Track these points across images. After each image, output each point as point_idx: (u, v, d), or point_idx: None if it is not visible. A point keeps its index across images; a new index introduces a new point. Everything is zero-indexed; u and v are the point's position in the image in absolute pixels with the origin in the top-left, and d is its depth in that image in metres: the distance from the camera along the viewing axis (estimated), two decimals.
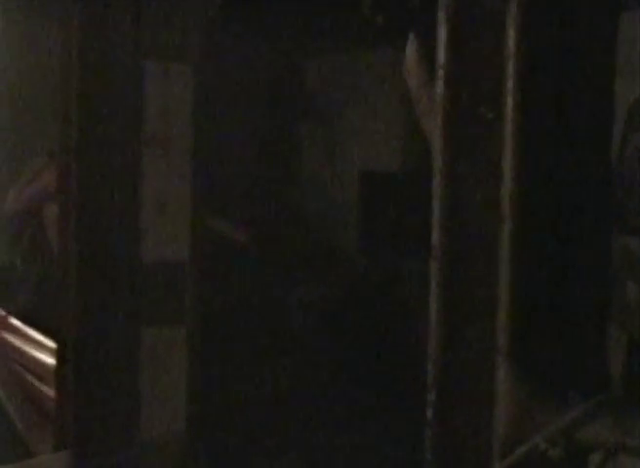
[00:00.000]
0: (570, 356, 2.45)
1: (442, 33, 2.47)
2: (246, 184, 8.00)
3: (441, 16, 2.49)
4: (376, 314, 7.15)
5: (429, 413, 2.49)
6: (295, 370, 8.14)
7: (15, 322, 8.40)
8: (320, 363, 7.86)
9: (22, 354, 8.08)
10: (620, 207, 3.94)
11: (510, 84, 2.38)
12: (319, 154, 8.51)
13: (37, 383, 7.76)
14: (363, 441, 6.06)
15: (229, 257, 7.78)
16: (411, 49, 2.85)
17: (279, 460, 7.72)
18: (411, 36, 2.83)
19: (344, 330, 7.72)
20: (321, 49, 8.15)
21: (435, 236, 2.47)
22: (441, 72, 2.48)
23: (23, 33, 9.62)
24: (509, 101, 2.38)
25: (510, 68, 2.38)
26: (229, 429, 7.65)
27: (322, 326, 8.20)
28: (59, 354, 6.92)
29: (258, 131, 8.49)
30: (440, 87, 2.48)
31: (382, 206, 6.67)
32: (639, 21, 3.98)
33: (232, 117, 8.08)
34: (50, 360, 7.21)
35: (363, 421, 6.87)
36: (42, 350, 7.57)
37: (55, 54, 7.05)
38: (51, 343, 7.36)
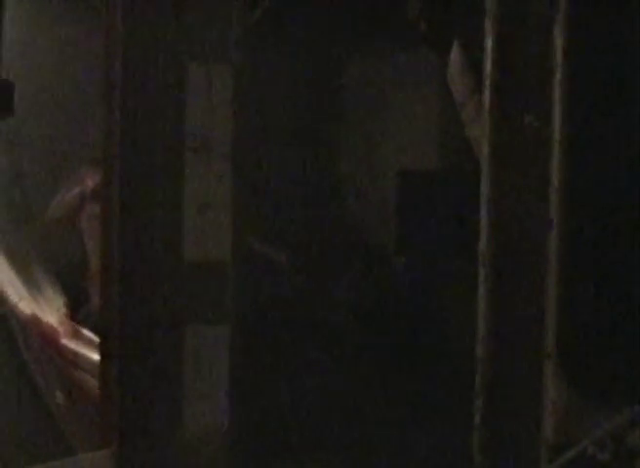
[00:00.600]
0: (617, 361, 2.45)
1: (489, 42, 2.47)
2: (286, 186, 7.99)
3: (488, 25, 2.49)
4: (412, 314, 7.13)
5: (477, 418, 2.49)
6: (336, 366, 8.14)
7: (76, 327, 8.50)
8: (359, 360, 7.86)
9: (81, 356, 8.15)
10: None
11: (557, 93, 2.38)
12: (357, 155, 8.51)
13: (92, 381, 7.85)
14: (405, 441, 6.04)
15: (272, 259, 7.78)
16: (455, 57, 2.84)
17: (320, 456, 7.73)
18: (455, 44, 2.83)
19: (382, 328, 7.71)
20: (362, 51, 8.15)
21: (483, 243, 2.47)
22: (488, 81, 2.48)
23: (66, 43, 9.63)
24: (556, 110, 2.38)
25: (557, 77, 2.38)
26: (271, 426, 7.66)
27: (361, 324, 8.20)
28: (101, 349, 6.94)
29: (297, 131, 8.48)
30: (487, 95, 2.48)
31: (420, 206, 6.66)
32: None
33: (272, 118, 8.08)
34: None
35: (403, 421, 6.86)
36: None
37: (98, 63, 7.07)
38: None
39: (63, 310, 8.77)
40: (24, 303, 9.27)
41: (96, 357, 7.37)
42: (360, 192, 7.81)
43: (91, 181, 8.04)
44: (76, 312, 8.44)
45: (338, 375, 8.05)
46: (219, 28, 7.20)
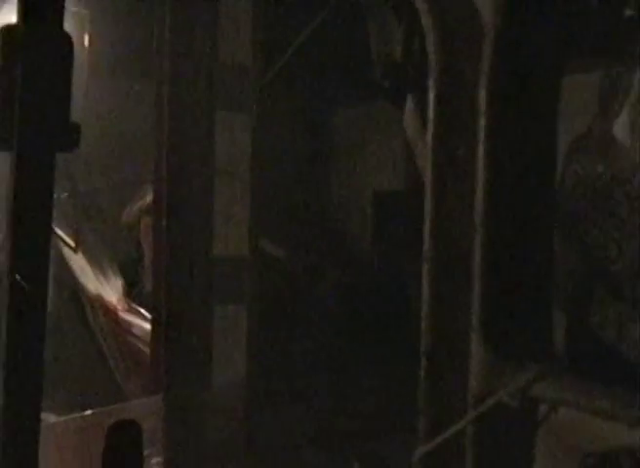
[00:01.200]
0: (525, 333, 2.42)
1: (431, 96, 2.45)
2: (291, 203, 8.00)
3: (431, 83, 2.46)
4: (384, 299, 7.13)
5: (422, 374, 2.46)
6: (326, 335, 8.14)
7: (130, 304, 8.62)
8: (345, 330, 7.87)
9: (134, 326, 8.24)
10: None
11: (482, 133, 2.35)
12: (342, 177, 8.49)
13: (142, 345, 7.91)
14: (375, 389, 6.04)
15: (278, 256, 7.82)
16: (409, 107, 2.82)
17: (317, 400, 7.74)
18: (409, 97, 2.80)
19: (362, 309, 7.69)
20: (347, 104, 8.14)
21: (426, 244, 2.45)
22: (430, 125, 2.45)
23: (128, 95, 9.63)
24: (481, 146, 2.35)
25: (482, 122, 2.35)
26: (278, 380, 7.65)
27: (346, 306, 8.18)
28: (153, 320, 7.01)
29: (299, 164, 8.50)
30: (430, 135, 2.45)
31: (390, 219, 6.66)
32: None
33: (280, 154, 8.09)
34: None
35: (375, 375, 6.87)
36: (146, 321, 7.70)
37: (151, 111, 7.08)
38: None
39: (121, 291, 8.85)
40: (92, 285, 9.37)
41: (146, 326, 7.46)
42: (343, 204, 7.79)
43: (149, 198, 8.01)
44: (131, 293, 8.46)
45: (328, 341, 8.04)
46: (241, 86, 7.18)
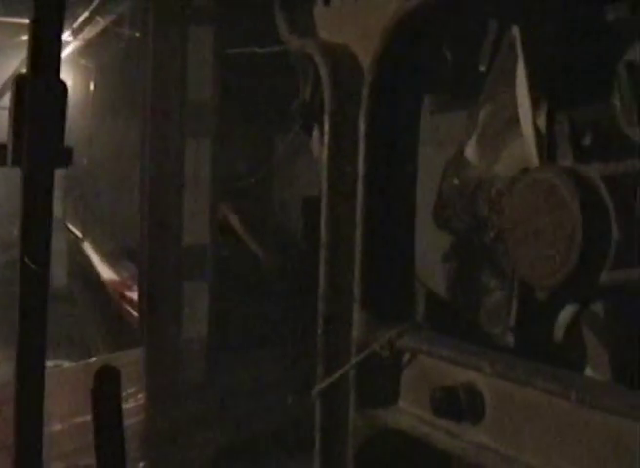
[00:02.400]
0: (394, 301, 2.41)
1: (326, 128, 2.45)
2: (243, 206, 7.97)
3: (326, 118, 2.46)
4: (312, 276, 7.14)
5: (319, 331, 2.45)
6: (272, 303, 8.13)
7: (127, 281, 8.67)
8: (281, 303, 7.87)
9: (128, 297, 8.27)
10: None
11: (362, 151, 2.34)
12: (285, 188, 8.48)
13: (130, 308, 7.91)
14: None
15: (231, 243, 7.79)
16: (315, 134, 2.81)
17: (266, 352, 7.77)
18: (316, 127, 2.79)
19: (294, 285, 7.65)
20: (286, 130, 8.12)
21: (322, 236, 2.44)
22: (326, 147, 2.45)
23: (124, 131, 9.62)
24: (361, 162, 2.35)
25: (362, 143, 2.35)
26: (233, 339, 7.62)
27: (283, 282, 8.17)
28: (138, 294, 7.03)
29: (249, 176, 8.53)
30: (325, 154, 2.45)
31: (313, 218, 6.60)
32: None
33: (234, 169, 8.06)
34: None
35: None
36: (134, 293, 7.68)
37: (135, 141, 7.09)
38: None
39: (126, 276, 8.86)
40: (106, 272, 9.42)
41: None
42: (285, 207, 7.76)
43: None
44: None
45: (274, 306, 8.00)
46: (205, 118, 7.15)
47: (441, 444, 2.13)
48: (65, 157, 3.06)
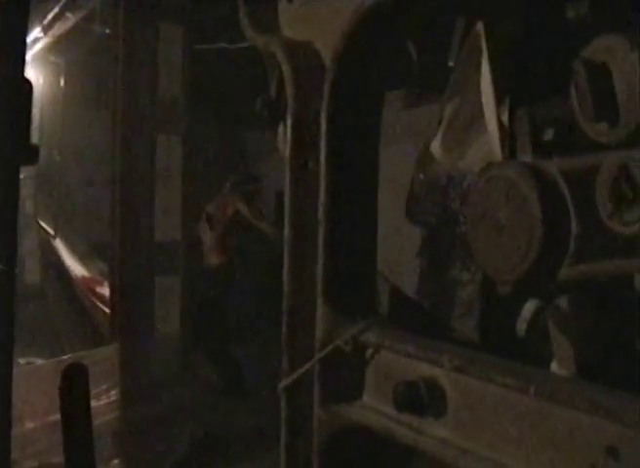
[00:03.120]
0: (357, 296, 2.42)
1: (289, 123, 2.45)
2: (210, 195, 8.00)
3: (289, 114, 2.46)
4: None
5: (284, 327, 2.46)
6: (242, 297, 8.15)
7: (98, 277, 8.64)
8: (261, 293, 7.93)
9: (99, 294, 8.20)
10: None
11: (324, 148, 2.35)
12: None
13: (101, 305, 7.86)
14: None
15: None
16: (281, 130, 2.81)
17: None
18: (281, 124, 2.80)
19: (270, 276, 7.68)
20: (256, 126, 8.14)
21: (286, 232, 2.44)
22: (289, 143, 2.45)
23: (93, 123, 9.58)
24: (323, 158, 2.35)
25: (323, 140, 2.35)
26: (205, 331, 7.62)
27: (258, 275, 8.21)
28: (110, 290, 6.97)
29: (219, 170, 8.53)
30: (288, 150, 2.45)
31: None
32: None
33: (204, 164, 8.06)
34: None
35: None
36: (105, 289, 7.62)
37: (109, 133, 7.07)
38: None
39: (97, 272, 8.81)
40: (77, 269, 9.38)
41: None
42: None
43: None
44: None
45: (247, 299, 8.02)
46: (175, 114, 7.13)
47: (404, 438, 2.14)
48: (32, 155, 3.05)
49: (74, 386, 3.04)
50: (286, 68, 2.43)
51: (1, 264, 2.84)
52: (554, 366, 2.56)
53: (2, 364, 3.03)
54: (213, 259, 7.31)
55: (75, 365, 3.16)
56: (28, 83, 2.91)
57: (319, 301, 2.31)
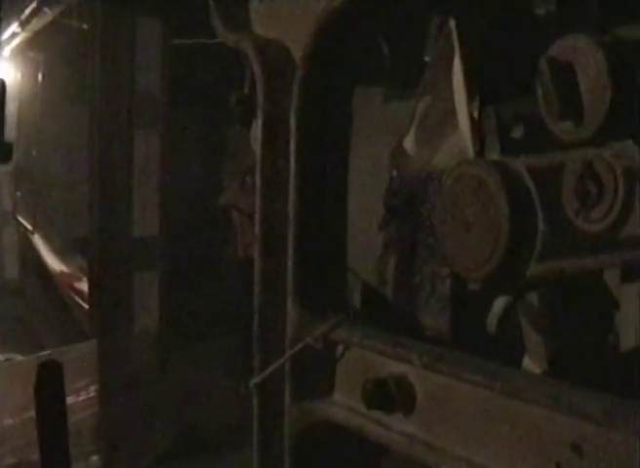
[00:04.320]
0: (328, 294, 2.43)
1: (259, 121, 2.46)
2: (191, 195, 7.99)
3: (259, 112, 2.47)
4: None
5: (254, 325, 2.46)
6: (224, 297, 8.16)
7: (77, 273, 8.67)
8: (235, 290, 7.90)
9: (78, 289, 8.20)
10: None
11: (293, 145, 2.36)
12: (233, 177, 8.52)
13: (79, 300, 7.87)
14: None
15: (183, 235, 7.83)
16: (253, 129, 2.83)
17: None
18: (254, 121, 2.81)
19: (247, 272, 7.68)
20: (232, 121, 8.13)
21: (256, 229, 2.45)
22: (259, 141, 2.46)
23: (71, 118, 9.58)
24: (293, 155, 2.36)
25: (293, 137, 2.36)
26: (183, 326, 7.62)
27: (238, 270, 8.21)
28: (89, 286, 6.96)
29: (196, 166, 8.55)
30: (259, 148, 2.46)
31: None
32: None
33: (182, 159, 8.07)
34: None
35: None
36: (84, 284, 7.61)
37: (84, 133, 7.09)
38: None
39: (76, 267, 8.80)
40: (56, 265, 9.37)
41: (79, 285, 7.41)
42: None
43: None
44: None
45: (222, 296, 8.01)
46: (152, 109, 7.12)
47: (373, 435, 2.15)
48: (5, 153, 3.04)
49: (48, 384, 3.05)
50: (256, 66, 2.44)
51: None
52: (526, 361, 2.58)
53: None
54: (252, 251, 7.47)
55: (49, 362, 3.16)
56: (1, 82, 2.90)
57: (289, 299, 2.32)
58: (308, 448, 2.40)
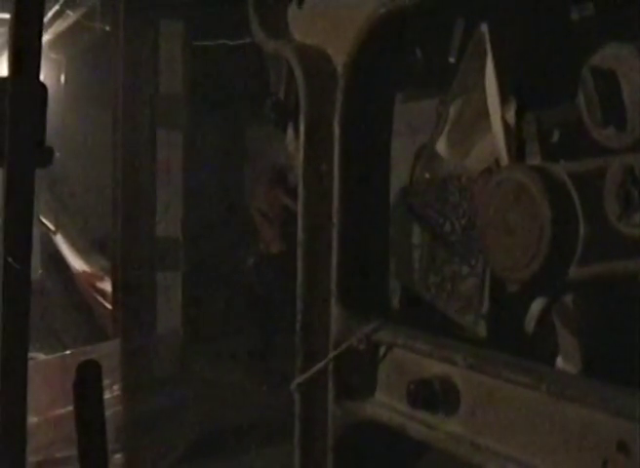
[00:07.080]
0: (371, 296, 2.47)
1: (302, 127, 2.50)
2: (214, 197, 8.03)
3: (301, 117, 2.52)
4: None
5: (298, 326, 2.50)
6: (241, 293, 8.18)
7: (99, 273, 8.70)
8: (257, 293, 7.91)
9: (99, 289, 8.23)
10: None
11: (337, 151, 2.40)
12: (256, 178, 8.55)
13: (101, 299, 7.89)
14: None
15: (204, 235, 7.86)
16: (289, 132, 2.87)
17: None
18: (290, 125, 2.85)
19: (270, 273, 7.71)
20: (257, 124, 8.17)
21: (299, 234, 2.49)
22: (302, 147, 2.50)
23: (94, 121, 9.59)
24: (336, 162, 2.40)
25: (337, 143, 2.40)
26: (207, 326, 7.66)
27: (258, 271, 8.24)
28: (113, 286, 7.00)
29: (219, 167, 8.57)
30: (301, 153, 2.50)
31: None
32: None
33: (205, 160, 8.11)
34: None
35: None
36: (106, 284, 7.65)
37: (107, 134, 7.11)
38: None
39: (98, 267, 8.85)
40: (78, 264, 9.40)
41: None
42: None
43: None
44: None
45: (244, 297, 8.04)
46: (175, 110, 7.17)
47: (417, 434, 2.20)
48: (46, 157, 3.10)
49: (88, 383, 3.10)
50: (299, 74, 2.48)
51: (17, 264, 2.90)
52: (559, 361, 2.62)
53: (17, 359, 3.09)
54: (275, 249, 7.64)
55: (89, 361, 3.22)
56: (43, 86, 2.95)
57: (333, 301, 2.37)
58: (351, 448, 2.45)
